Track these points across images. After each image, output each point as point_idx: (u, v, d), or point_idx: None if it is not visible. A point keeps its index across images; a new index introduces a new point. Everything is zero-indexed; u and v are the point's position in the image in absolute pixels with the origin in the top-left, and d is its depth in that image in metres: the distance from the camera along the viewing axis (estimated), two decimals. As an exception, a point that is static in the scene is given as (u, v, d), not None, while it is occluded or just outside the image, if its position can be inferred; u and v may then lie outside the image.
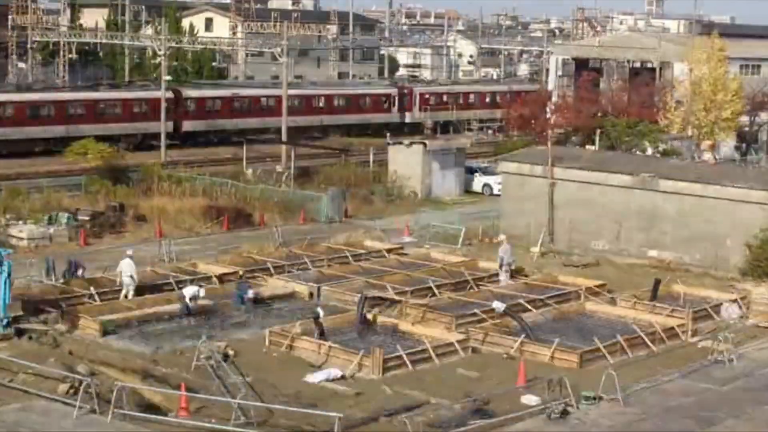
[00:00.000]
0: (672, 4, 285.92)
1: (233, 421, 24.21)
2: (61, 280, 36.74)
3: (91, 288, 35.73)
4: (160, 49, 76.02)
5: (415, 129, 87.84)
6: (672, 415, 26.42)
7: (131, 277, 35.58)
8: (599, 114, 70.24)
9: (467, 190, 61.13)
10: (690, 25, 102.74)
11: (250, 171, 61.89)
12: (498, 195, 52.87)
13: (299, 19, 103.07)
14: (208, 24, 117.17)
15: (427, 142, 62.23)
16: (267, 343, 31.15)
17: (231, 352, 29.94)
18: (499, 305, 33.86)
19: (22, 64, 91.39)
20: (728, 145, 69.64)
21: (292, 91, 75.63)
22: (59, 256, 39.03)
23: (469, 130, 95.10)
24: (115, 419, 24.03)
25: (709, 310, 35.80)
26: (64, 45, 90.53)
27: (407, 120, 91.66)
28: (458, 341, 31.27)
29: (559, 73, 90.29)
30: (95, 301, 34.88)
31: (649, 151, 62.58)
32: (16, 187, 54.38)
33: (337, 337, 31.54)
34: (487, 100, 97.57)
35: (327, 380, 28.14)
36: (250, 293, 35.48)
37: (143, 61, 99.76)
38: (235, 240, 46.07)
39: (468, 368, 29.62)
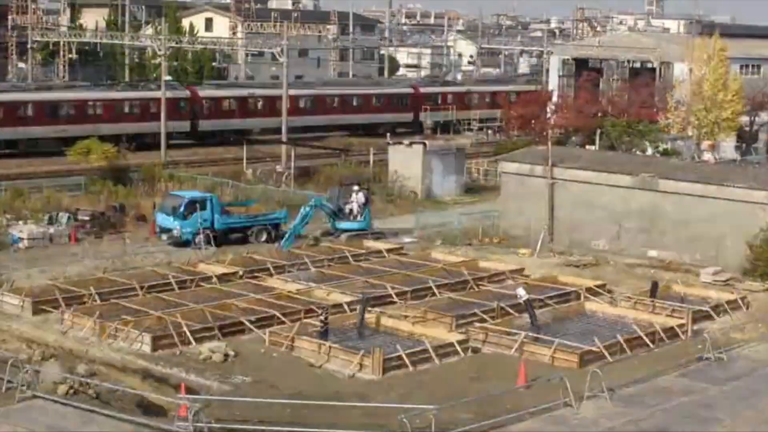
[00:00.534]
0: (672, 4, 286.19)
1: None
2: None
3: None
4: (160, 49, 76.03)
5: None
6: (672, 414, 26.42)
7: None
8: (599, 114, 70.29)
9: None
10: (690, 25, 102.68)
11: (250, 171, 61.89)
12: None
13: (299, 19, 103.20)
14: (208, 24, 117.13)
15: (427, 142, 62.23)
16: (266, 343, 31.20)
17: (231, 353, 29.97)
18: (522, 292, 33.77)
19: (22, 64, 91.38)
20: (728, 145, 69.64)
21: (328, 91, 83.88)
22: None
23: (469, 130, 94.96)
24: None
25: (710, 309, 35.85)
26: (64, 45, 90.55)
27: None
28: (458, 341, 31.28)
29: (559, 73, 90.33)
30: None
31: (649, 151, 62.64)
32: (16, 187, 54.42)
33: (337, 337, 31.58)
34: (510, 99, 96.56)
35: None
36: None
37: (143, 61, 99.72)
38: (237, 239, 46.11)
39: (468, 368, 29.63)
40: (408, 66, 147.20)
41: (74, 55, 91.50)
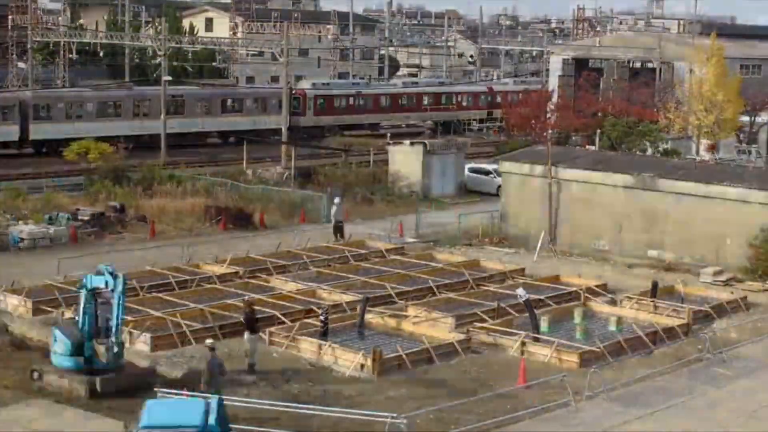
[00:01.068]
0: (672, 4, 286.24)
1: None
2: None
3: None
4: (160, 49, 76.02)
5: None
6: (672, 414, 26.44)
7: None
8: (599, 114, 70.31)
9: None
10: (690, 25, 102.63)
11: (250, 171, 61.87)
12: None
13: (299, 19, 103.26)
14: (208, 24, 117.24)
15: (427, 142, 62.16)
16: (266, 343, 31.21)
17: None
18: (522, 292, 33.75)
19: (22, 64, 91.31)
20: (728, 145, 69.64)
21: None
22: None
23: (469, 130, 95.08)
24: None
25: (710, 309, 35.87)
26: (64, 45, 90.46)
27: None
28: (458, 341, 31.28)
29: (559, 73, 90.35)
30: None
31: (649, 151, 62.62)
32: (16, 187, 54.41)
33: (337, 337, 31.59)
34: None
35: None
36: None
37: (143, 61, 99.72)
38: (234, 240, 46.06)
39: (468, 368, 29.64)
40: (408, 66, 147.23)
41: (74, 55, 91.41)
